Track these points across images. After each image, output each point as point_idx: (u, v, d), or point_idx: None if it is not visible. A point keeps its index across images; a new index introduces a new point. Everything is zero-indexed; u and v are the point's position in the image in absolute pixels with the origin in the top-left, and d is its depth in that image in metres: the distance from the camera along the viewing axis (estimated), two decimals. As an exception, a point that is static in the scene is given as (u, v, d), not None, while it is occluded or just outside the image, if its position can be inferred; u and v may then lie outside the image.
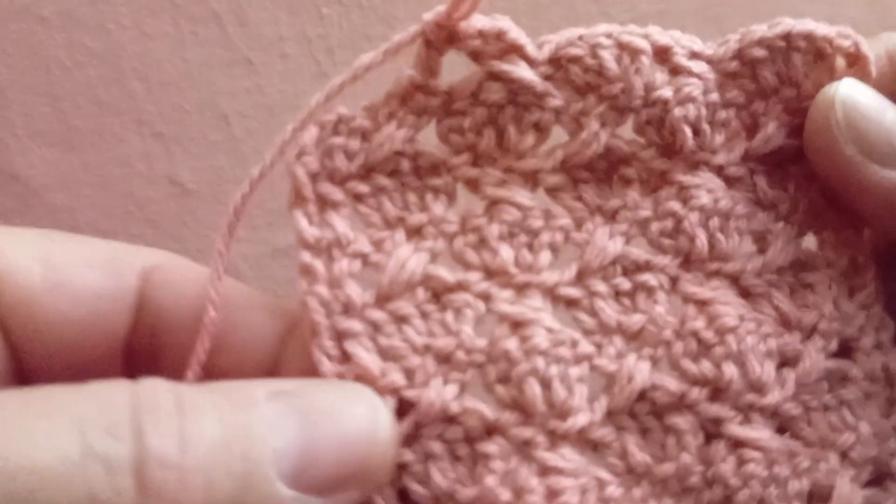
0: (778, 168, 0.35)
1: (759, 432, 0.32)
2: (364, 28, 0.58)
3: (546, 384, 0.31)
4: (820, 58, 0.34)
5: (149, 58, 0.57)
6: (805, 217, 0.35)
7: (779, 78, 0.34)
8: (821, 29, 0.34)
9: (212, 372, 0.30)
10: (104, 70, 0.57)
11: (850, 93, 0.32)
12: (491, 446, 0.30)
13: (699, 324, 0.33)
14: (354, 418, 0.28)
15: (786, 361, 0.33)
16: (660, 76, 0.33)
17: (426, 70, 0.33)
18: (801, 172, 0.35)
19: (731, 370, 0.32)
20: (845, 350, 0.34)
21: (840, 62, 0.33)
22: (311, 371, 0.30)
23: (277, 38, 0.58)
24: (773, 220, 0.35)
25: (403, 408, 0.30)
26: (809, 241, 0.35)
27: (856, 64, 0.33)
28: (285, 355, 0.32)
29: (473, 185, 0.34)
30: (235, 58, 0.58)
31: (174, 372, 0.30)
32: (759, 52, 0.34)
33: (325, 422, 0.26)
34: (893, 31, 0.34)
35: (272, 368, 0.32)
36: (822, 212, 0.35)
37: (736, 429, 0.32)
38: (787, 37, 0.34)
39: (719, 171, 0.34)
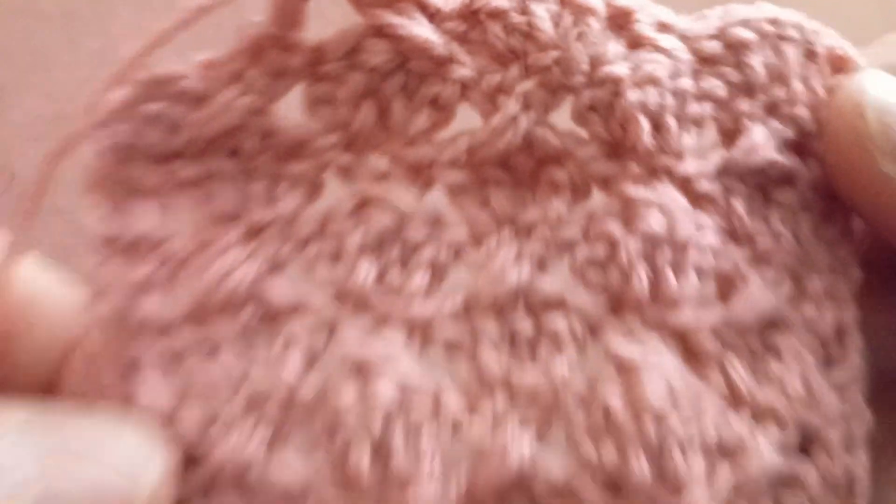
0: (759, 192, 0.26)
1: None
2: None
3: (383, 453, 0.23)
4: (810, 56, 0.26)
5: (150, 57, 0.54)
6: (787, 259, 0.26)
7: (768, 72, 0.26)
8: (807, 21, 0.26)
9: None
10: (105, 70, 0.54)
11: (882, 95, 0.24)
12: None
13: (614, 398, 0.23)
14: (113, 467, 0.21)
15: (725, 453, 0.24)
16: (614, 47, 0.25)
17: (285, 17, 0.24)
18: (787, 201, 0.26)
19: (641, 465, 0.23)
20: (804, 443, 0.25)
21: (825, 67, 0.26)
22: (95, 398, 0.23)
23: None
24: (746, 259, 0.25)
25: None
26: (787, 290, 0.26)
27: (842, 70, 0.26)
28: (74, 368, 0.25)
29: (346, 175, 0.25)
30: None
31: None
32: (747, 35, 0.26)
33: (77, 465, 0.20)
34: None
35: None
36: (809, 255, 0.26)
37: None
38: (776, 22, 0.26)
39: (685, 184, 0.25)
